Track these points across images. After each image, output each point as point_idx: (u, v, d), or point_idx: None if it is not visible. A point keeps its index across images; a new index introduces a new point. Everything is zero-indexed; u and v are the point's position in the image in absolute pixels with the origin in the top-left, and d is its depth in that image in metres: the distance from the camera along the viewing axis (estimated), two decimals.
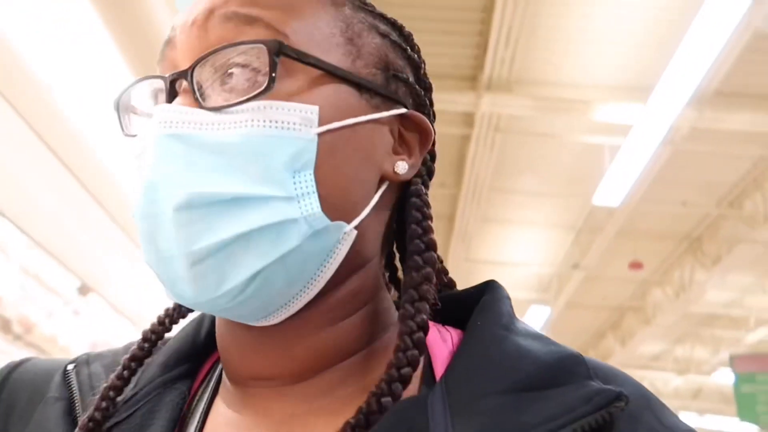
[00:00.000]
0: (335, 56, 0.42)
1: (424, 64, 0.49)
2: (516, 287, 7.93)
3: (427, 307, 0.41)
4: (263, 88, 0.39)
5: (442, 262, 0.51)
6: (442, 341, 0.45)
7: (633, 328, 8.75)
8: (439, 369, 0.43)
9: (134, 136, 0.43)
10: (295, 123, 0.39)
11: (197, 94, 0.40)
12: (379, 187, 0.44)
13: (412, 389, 0.42)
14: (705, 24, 3.42)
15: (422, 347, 0.40)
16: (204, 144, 0.38)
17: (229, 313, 0.43)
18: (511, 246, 7.27)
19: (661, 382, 10.76)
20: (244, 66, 0.40)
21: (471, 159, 5.61)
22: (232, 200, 0.38)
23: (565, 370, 0.40)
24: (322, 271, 0.42)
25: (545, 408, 0.37)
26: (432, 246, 0.44)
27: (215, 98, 0.40)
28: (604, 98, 4.67)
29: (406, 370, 0.39)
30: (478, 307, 0.45)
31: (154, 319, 0.52)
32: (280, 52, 0.39)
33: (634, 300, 8.43)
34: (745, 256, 6.37)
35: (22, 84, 1.93)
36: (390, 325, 0.47)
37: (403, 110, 0.45)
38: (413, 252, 0.43)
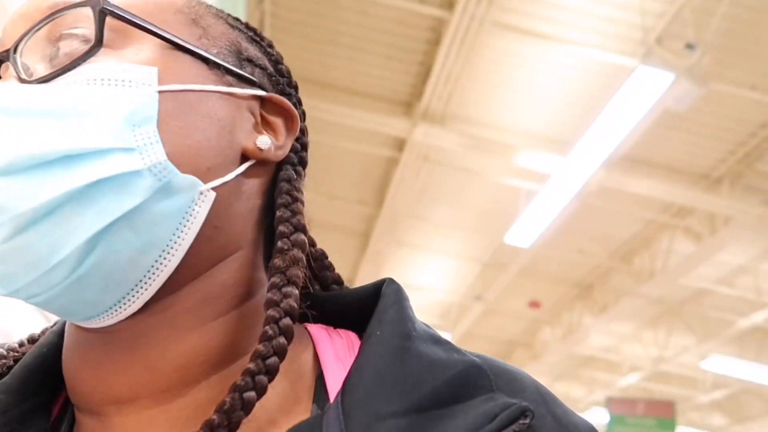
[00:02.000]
0: (178, 31, 0.41)
1: (283, 61, 0.48)
2: (419, 311, 8.05)
3: (296, 292, 0.38)
4: (91, 45, 0.37)
5: (329, 263, 0.47)
6: (333, 350, 0.42)
7: (520, 362, 9.21)
8: (332, 385, 0.39)
9: None
10: (131, 81, 0.37)
11: (21, 71, 0.38)
12: (242, 162, 0.41)
13: (301, 408, 0.39)
14: (627, 96, 3.75)
15: (290, 335, 0.37)
16: (29, 111, 0.35)
17: (65, 303, 0.36)
18: (419, 271, 7.46)
19: None
20: (72, 37, 0.38)
21: (396, 183, 5.73)
22: (63, 158, 0.34)
23: (469, 383, 0.38)
24: (179, 237, 0.37)
25: (450, 428, 0.36)
26: (301, 228, 0.40)
27: (43, 72, 0.38)
28: (528, 145, 4.97)
29: (272, 360, 0.36)
30: (376, 313, 0.41)
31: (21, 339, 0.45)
32: (105, 10, 0.38)
33: (525, 336, 8.90)
34: (628, 307, 6.93)
35: None
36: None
37: (261, 92, 0.43)
38: (281, 235, 0.40)
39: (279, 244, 0.39)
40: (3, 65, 0.39)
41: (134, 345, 0.38)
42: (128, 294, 0.37)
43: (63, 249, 0.34)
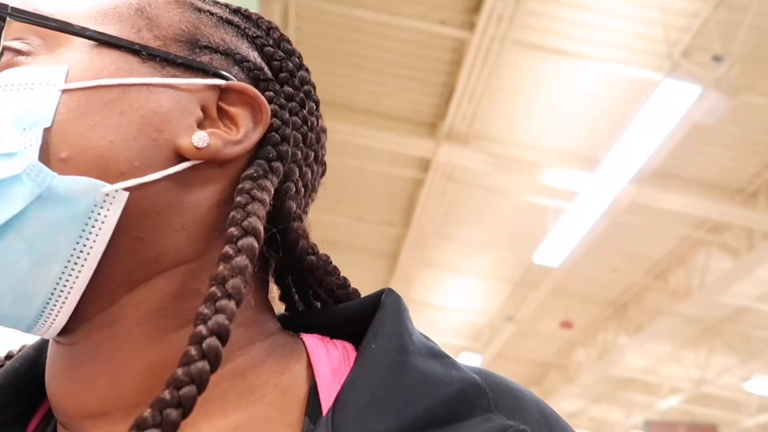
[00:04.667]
0: (111, 27, 0.38)
1: (294, 57, 0.45)
2: (450, 333, 8.04)
3: (233, 306, 0.34)
4: None
5: (358, 293, 0.43)
6: (328, 362, 0.39)
7: (555, 385, 9.00)
8: (325, 398, 0.37)
9: None
10: (34, 84, 0.36)
11: None
12: (179, 161, 0.38)
13: (293, 420, 0.37)
14: (654, 110, 3.70)
15: (215, 358, 0.32)
16: None
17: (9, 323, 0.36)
18: (449, 292, 7.40)
19: None
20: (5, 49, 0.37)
21: (422, 203, 5.73)
22: None
23: (466, 402, 0.36)
24: (85, 245, 0.35)
25: None
26: (252, 231, 0.36)
27: None
28: (555, 163, 4.92)
29: (188, 390, 0.31)
30: (373, 324, 0.39)
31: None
32: (4, 14, 0.37)
33: (559, 357, 8.70)
34: (664, 326, 6.73)
35: None
36: (256, 343, 0.40)
37: (215, 81, 0.39)
38: (228, 239, 0.36)
39: (225, 249, 0.35)
40: None
41: (95, 358, 0.37)
42: (46, 306, 0.36)
43: None
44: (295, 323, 0.43)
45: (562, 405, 9.42)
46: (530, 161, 4.93)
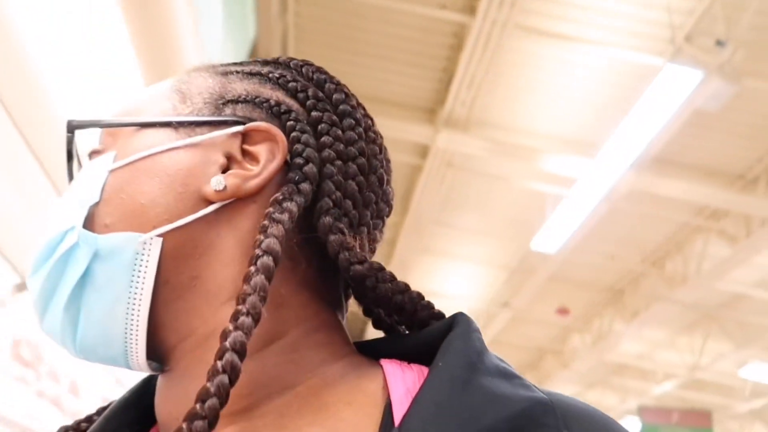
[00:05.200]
0: (153, 109, 0.47)
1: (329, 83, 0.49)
2: None
3: (250, 322, 0.37)
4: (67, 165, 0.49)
5: (422, 297, 0.45)
6: (403, 383, 0.41)
7: (550, 370, 9.05)
8: (398, 416, 0.39)
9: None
10: (94, 170, 0.46)
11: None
12: (207, 205, 0.43)
13: None
14: (654, 96, 3.66)
15: (235, 371, 0.36)
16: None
17: (94, 359, 0.44)
18: (446, 278, 7.39)
19: None
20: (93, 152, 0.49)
21: (420, 190, 5.69)
22: (62, 233, 0.44)
23: (533, 419, 0.37)
24: (137, 286, 0.42)
25: None
26: (271, 251, 0.39)
27: None
28: (555, 149, 4.89)
29: (211, 401, 0.35)
30: (443, 345, 0.41)
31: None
32: (71, 128, 0.48)
33: (555, 343, 8.74)
34: (661, 313, 6.75)
35: None
36: (328, 364, 0.43)
37: (233, 129, 0.45)
38: (251, 261, 0.40)
39: (248, 269, 0.39)
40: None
41: (183, 381, 0.42)
42: (126, 344, 0.43)
43: (52, 315, 0.43)
44: (377, 350, 0.46)
45: (557, 390, 9.47)
46: (530, 147, 4.90)
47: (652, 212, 5.61)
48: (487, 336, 8.14)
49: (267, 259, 0.39)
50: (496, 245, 6.66)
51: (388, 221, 0.51)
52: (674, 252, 6.26)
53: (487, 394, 0.37)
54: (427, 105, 4.96)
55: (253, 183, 0.43)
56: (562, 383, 9.16)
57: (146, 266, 0.42)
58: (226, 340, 0.36)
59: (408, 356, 0.44)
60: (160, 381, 0.45)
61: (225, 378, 0.35)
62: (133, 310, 0.42)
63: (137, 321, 0.42)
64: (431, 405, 0.37)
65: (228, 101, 0.46)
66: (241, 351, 0.36)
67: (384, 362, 0.43)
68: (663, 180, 4.94)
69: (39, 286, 0.43)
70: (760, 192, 4.97)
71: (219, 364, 0.35)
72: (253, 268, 0.39)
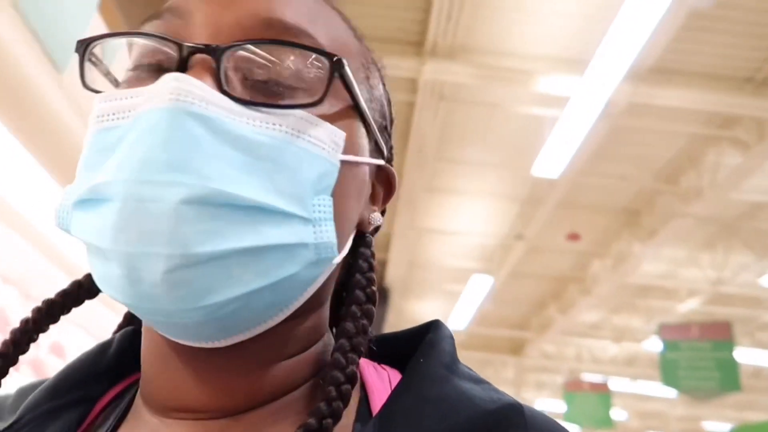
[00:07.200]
0: (360, 92, 0.41)
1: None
2: (460, 256, 8.04)
3: (357, 358, 0.40)
4: (315, 100, 0.37)
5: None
6: (378, 379, 0.44)
7: (573, 298, 9.02)
8: (377, 406, 0.41)
9: (97, 92, 0.38)
10: (326, 144, 0.38)
11: (223, 78, 0.36)
12: (355, 233, 0.44)
13: (343, 424, 0.40)
14: (640, 0, 3.43)
15: (347, 399, 0.38)
16: (231, 135, 0.34)
17: (181, 333, 0.39)
18: (456, 215, 7.33)
19: (599, 350, 11.20)
20: (289, 69, 0.37)
21: (416, 127, 5.57)
22: (252, 208, 0.35)
23: (506, 419, 0.39)
24: (299, 298, 0.40)
25: None
26: (373, 299, 0.42)
27: (241, 90, 0.37)
28: (545, 70, 4.69)
29: (328, 421, 0.37)
30: (422, 345, 0.43)
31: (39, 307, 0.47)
32: (340, 72, 0.38)
33: (575, 271, 8.67)
34: (679, 230, 6.59)
35: None
36: (323, 367, 0.44)
37: (382, 162, 0.45)
38: (354, 301, 0.42)
39: (352, 308, 0.41)
40: (196, 56, 0.36)
41: (218, 369, 0.40)
42: (234, 333, 0.40)
43: (215, 296, 0.35)
44: None
45: (582, 317, 9.48)
46: (520, 69, 4.70)
47: (658, 126, 5.39)
48: (505, 270, 8.13)
49: (370, 307, 0.42)
50: (502, 176, 6.53)
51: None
52: (687, 166, 6.04)
53: (462, 393, 0.39)
54: (411, 38, 4.78)
55: (369, 228, 0.44)
56: (587, 310, 9.14)
57: (318, 283, 0.41)
58: (342, 370, 0.38)
59: (377, 358, 0.46)
60: (182, 359, 0.41)
61: (340, 404, 0.38)
62: (276, 316, 0.40)
63: (268, 323, 0.40)
64: (411, 395, 0.39)
65: (386, 126, 0.45)
66: (354, 384, 0.39)
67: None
68: (665, 91, 4.71)
69: (220, 246, 0.38)
70: None
71: (335, 390, 0.38)
72: (358, 310, 0.41)
